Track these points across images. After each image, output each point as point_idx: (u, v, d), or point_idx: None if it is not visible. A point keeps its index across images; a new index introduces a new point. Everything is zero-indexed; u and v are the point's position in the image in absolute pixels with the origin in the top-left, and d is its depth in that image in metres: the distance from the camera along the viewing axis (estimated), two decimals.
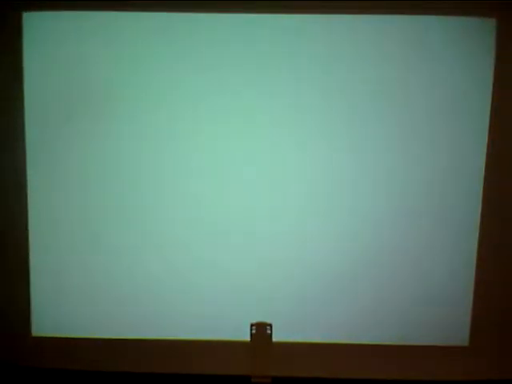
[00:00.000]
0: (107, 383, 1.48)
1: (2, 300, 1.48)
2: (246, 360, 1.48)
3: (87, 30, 1.36)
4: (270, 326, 1.46)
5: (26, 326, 1.49)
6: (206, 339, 1.48)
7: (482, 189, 1.40)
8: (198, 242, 1.44)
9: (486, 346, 1.46)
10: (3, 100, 1.40)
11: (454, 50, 1.36)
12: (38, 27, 1.37)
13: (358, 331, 1.47)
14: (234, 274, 1.45)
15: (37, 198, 1.43)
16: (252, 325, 1.46)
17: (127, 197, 1.43)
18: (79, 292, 1.47)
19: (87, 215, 1.44)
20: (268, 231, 1.43)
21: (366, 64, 1.37)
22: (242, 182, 1.42)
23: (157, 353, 1.49)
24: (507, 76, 1.36)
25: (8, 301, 1.48)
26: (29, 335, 1.49)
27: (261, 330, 1.46)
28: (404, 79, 1.37)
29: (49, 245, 1.45)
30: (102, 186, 1.43)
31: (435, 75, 1.37)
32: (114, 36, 1.37)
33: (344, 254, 1.44)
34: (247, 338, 1.47)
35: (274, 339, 1.47)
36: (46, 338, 1.49)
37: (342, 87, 1.38)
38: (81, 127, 1.40)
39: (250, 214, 1.43)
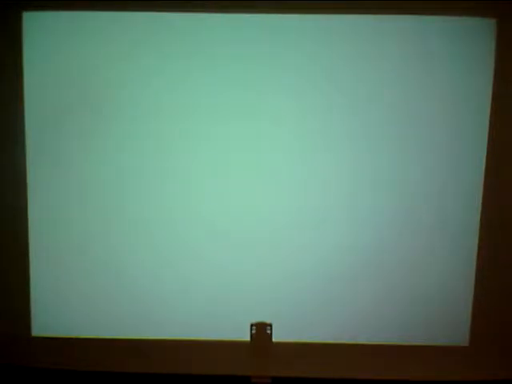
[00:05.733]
0: (107, 383, 1.48)
1: (2, 300, 1.48)
2: (246, 360, 1.48)
3: (87, 30, 1.37)
4: (270, 325, 1.46)
5: (26, 326, 1.49)
6: (206, 339, 1.48)
7: (482, 189, 1.40)
8: (198, 242, 1.44)
9: (486, 346, 1.47)
10: (3, 100, 1.40)
11: (454, 50, 1.36)
12: (38, 27, 1.37)
13: (358, 331, 1.47)
14: (234, 274, 1.45)
15: (37, 199, 1.43)
16: (252, 325, 1.46)
17: (127, 197, 1.43)
18: (79, 292, 1.47)
19: (87, 215, 1.44)
20: (268, 231, 1.43)
21: (365, 64, 1.37)
22: (242, 181, 1.42)
23: (157, 353, 1.49)
24: (507, 76, 1.36)
25: (8, 301, 1.48)
26: (29, 335, 1.49)
27: (261, 330, 1.46)
28: (404, 79, 1.37)
29: (49, 245, 1.45)
30: (102, 186, 1.43)
31: (435, 75, 1.37)
32: (114, 36, 1.37)
33: (344, 254, 1.44)
34: (247, 338, 1.47)
35: (274, 339, 1.47)
36: (45, 338, 1.49)
37: (341, 87, 1.38)
38: (81, 127, 1.41)
39: (250, 214, 1.43)
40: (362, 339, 1.47)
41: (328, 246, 1.44)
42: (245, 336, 1.47)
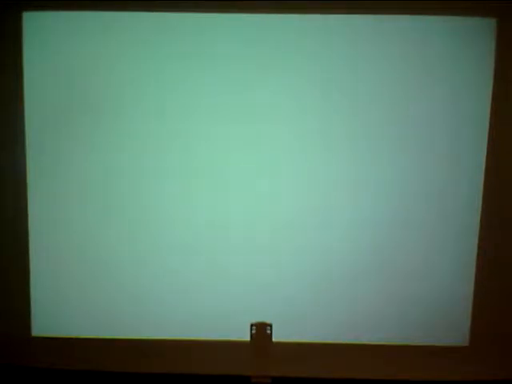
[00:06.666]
0: (107, 383, 1.48)
1: (2, 300, 1.48)
2: (246, 360, 1.48)
3: (87, 30, 1.37)
4: (270, 326, 1.46)
5: (25, 326, 1.49)
6: (206, 339, 1.48)
7: (482, 189, 1.40)
8: (198, 243, 1.44)
9: (486, 346, 1.46)
10: (3, 100, 1.40)
11: (454, 49, 1.36)
12: (38, 27, 1.37)
13: (357, 331, 1.47)
14: (234, 274, 1.45)
15: (37, 198, 1.43)
16: (252, 325, 1.46)
17: (127, 198, 1.43)
18: (79, 292, 1.47)
19: (87, 215, 1.44)
20: (268, 231, 1.43)
21: (366, 64, 1.37)
22: (242, 182, 1.42)
23: (157, 353, 1.49)
24: (507, 76, 1.36)
25: (8, 301, 1.48)
26: (29, 335, 1.49)
27: (261, 330, 1.46)
28: (404, 79, 1.37)
29: (49, 245, 1.45)
30: (102, 187, 1.43)
31: (435, 75, 1.37)
32: (114, 36, 1.37)
33: (344, 254, 1.44)
34: (247, 338, 1.47)
35: (274, 339, 1.47)
36: (45, 338, 1.49)
37: (341, 87, 1.38)
38: (81, 127, 1.41)
39: (250, 215, 1.43)
40: (362, 339, 1.47)
41: (328, 246, 1.44)
42: (245, 336, 1.47)
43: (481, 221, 1.42)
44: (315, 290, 1.46)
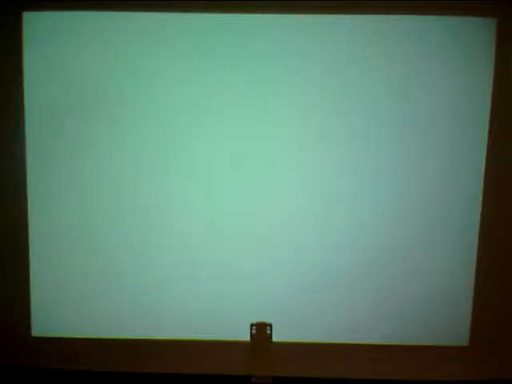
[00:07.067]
0: (107, 383, 1.48)
1: (2, 300, 1.48)
2: (246, 360, 1.48)
3: (87, 30, 1.36)
4: (270, 325, 1.46)
5: (25, 327, 1.49)
6: (206, 339, 1.48)
7: (482, 189, 1.40)
8: (199, 243, 1.44)
9: (486, 345, 1.46)
10: (3, 100, 1.40)
11: (454, 50, 1.36)
12: (38, 27, 1.37)
13: (358, 331, 1.47)
14: (234, 275, 1.45)
15: (37, 199, 1.43)
16: (252, 325, 1.46)
17: (127, 198, 1.43)
18: (79, 292, 1.47)
19: (87, 216, 1.44)
20: (268, 231, 1.43)
21: (365, 64, 1.37)
22: (241, 182, 1.42)
23: (156, 353, 1.49)
24: (507, 76, 1.36)
25: (8, 301, 1.48)
26: (29, 335, 1.49)
27: (261, 330, 1.46)
28: (404, 79, 1.37)
29: (49, 245, 1.45)
30: (101, 187, 1.43)
31: (435, 75, 1.37)
32: (114, 36, 1.37)
33: (344, 253, 1.44)
34: (247, 338, 1.47)
35: (274, 339, 1.47)
36: (45, 338, 1.49)
37: (341, 87, 1.38)
38: (81, 127, 1.40)
39: (250, 214, 1.43)
40: (362, 339, 1.47)
41: (328, 245, 1.44)
42: (245, 336, 1.47)
43: (481, 221, 1.42)
44: (315, 289, 1.46)
